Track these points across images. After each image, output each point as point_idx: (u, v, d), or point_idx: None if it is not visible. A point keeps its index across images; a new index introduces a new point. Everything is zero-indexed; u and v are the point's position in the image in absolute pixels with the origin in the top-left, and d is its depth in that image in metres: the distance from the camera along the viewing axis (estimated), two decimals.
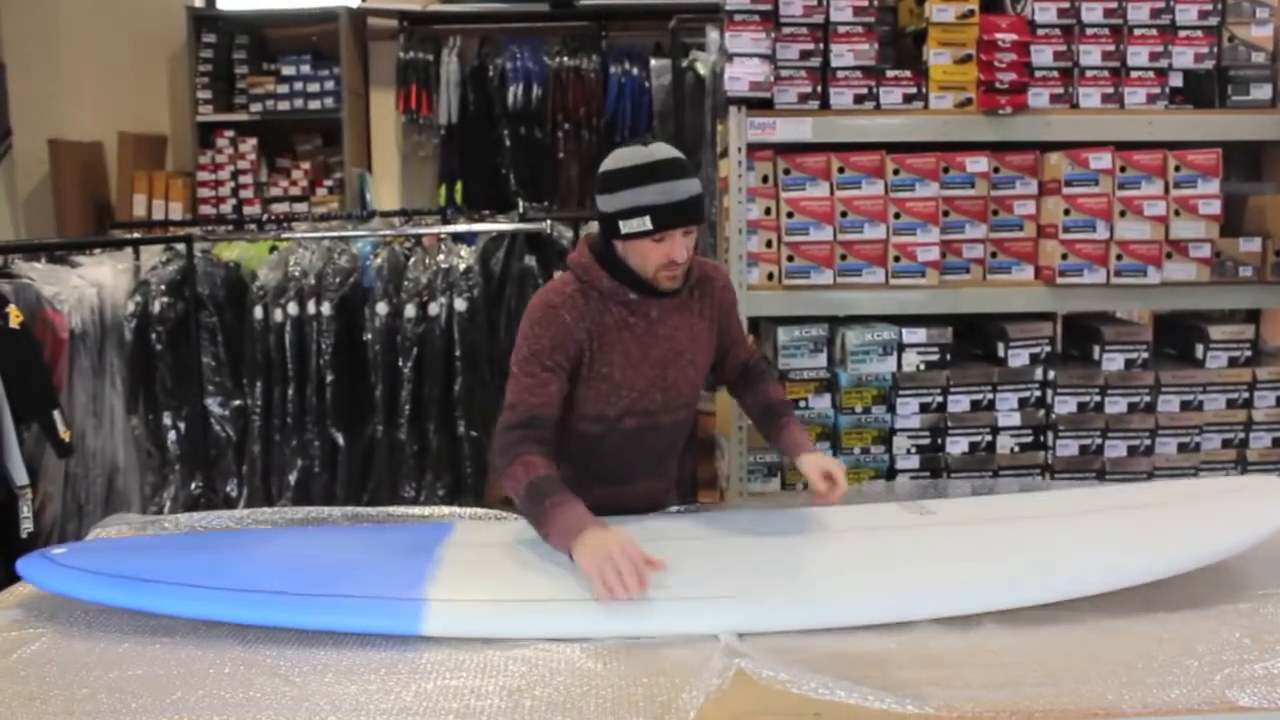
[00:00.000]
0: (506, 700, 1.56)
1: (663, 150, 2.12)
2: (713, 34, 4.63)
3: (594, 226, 2.44)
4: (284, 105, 5.97)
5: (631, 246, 2.13)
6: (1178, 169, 3.16)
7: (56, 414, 3.23)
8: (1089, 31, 3.20)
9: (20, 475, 3.12)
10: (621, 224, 2.09)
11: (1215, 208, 3.16)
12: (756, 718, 1.50)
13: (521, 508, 2.05)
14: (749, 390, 2.46)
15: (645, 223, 2.07)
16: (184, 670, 1.67)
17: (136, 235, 4.69)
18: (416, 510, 2.47)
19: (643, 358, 2.20)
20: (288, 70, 5.98)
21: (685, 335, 2.26)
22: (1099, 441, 3.24)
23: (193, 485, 4.07)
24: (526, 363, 2.14)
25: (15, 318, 3.15)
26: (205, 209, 5.91)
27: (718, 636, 1.74)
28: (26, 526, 3.10)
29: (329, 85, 5.96)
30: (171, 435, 4.03)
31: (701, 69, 4.93)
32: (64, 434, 3.23)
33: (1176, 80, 3.24)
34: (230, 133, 5.98)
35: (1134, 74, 3.21)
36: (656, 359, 2.21)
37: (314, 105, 5.98)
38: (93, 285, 3.94)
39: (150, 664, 1.70)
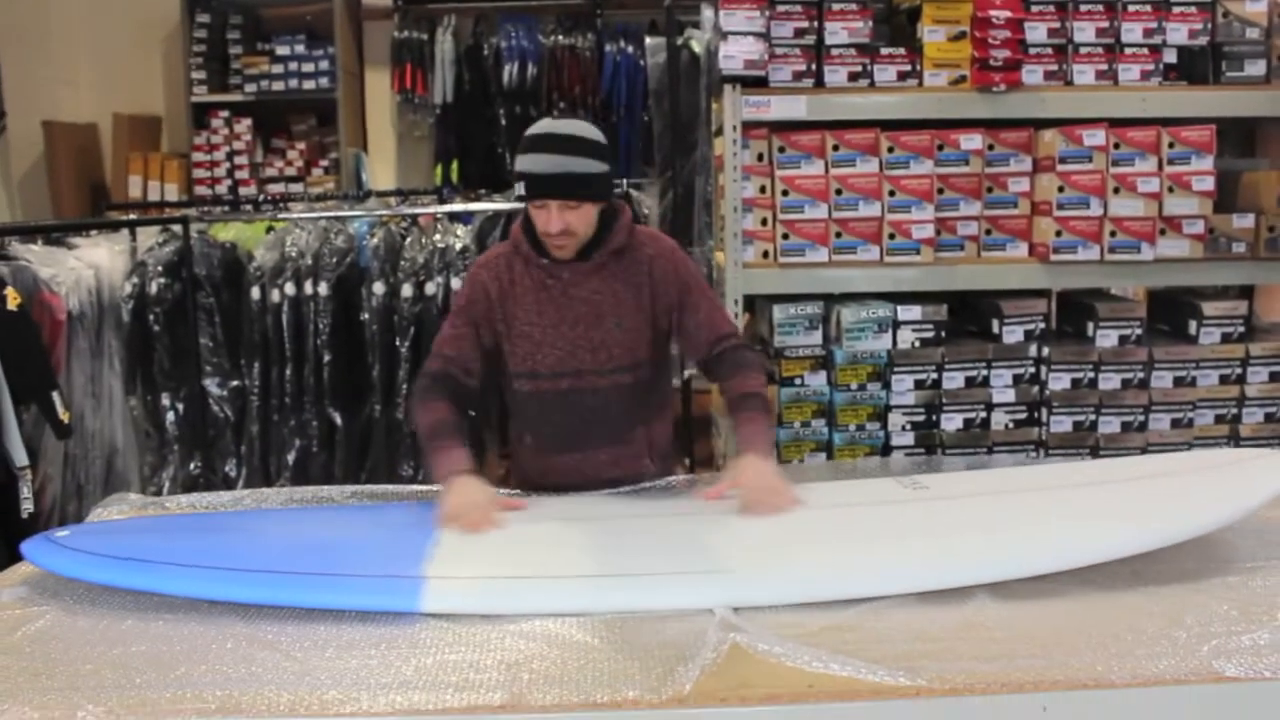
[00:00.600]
0: (504, 674, 1.57)
1: (558, 125, 2.25)
2: (707, 12, 4.59)
3: None
4: (279, 85, 5.94)
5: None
6: (1171, 145, 3.16)
7: (55, 395, 3.24)
8: (1083, 8, 3.19)
9: (20, 456, 3.14)
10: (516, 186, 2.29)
11: (1209, 184, 3.17)
12: (751, 690, 1.52)
13: (421, 445, 2.37)
14: (726, 380, 2.36)
15: (520, 188, 2.25)
16: (186, 646, 1.69)
17: (132, 216, 4.68)
18: (415, 489, 2.48)
19: (560, 318, 2.32)
20: (282, 50, 5.93)
21: (609, 300, 2.32)
22: (1093, 417, 3.26)
23: (191, 465, 4.08)
24: (453, 316, 2.42)
25: (13, 300, 3.16)
26: (201, 190, 5.89)
27: (713, 611, 1.75)
28: (27, 507, 3.13)
29: (324, 65, 5.92)
30: (170, 416, 4.04)
31: (696, 47, 4.89)
32: (63, 415, 3.25)
33: (1171, 56, 3.24)
34: (225, 113, 5.94)
35: (1128, 50, 3.21)
36: (575, 319, 2.32)
37: (309, 85, 5.94)
38: (90, 267, 3.94)
39: (153, 640, 1.71)
